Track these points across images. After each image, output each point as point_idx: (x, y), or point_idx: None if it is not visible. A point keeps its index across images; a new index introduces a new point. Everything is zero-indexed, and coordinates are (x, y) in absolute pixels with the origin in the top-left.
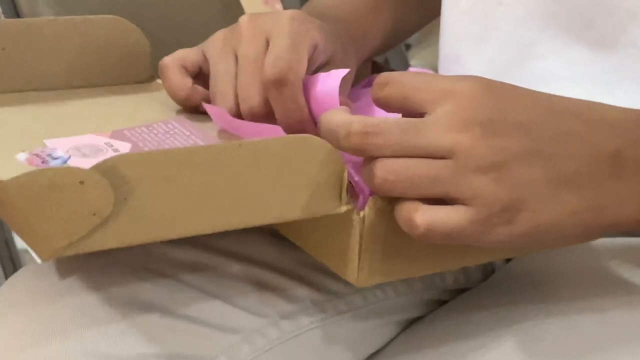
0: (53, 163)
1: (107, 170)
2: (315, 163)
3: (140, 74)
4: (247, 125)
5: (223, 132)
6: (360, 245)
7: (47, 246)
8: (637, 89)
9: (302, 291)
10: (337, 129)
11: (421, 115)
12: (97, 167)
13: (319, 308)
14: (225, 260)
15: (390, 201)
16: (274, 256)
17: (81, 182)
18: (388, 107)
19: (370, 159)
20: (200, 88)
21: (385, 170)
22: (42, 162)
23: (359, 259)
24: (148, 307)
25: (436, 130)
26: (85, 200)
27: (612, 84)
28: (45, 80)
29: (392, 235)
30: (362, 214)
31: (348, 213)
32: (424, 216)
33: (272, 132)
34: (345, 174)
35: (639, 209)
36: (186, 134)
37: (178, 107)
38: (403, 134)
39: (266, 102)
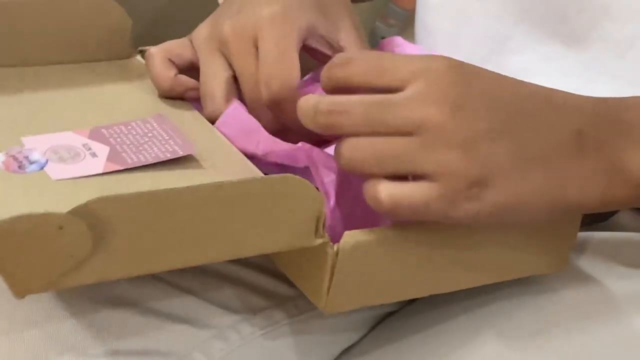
0: (30, 168)
1: (86, 213)
2: (294, 201)
3: (121, 51)
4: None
5: (203, 128)
6: (331, 277)
7: (22, 286)
8: (611, 83)
9: (276, 287)
10: (306, 111)
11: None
12: (76, 211)
13: (293, 304)
14: None
15: (367, 236)
16: None
17: (60, 228)
18: (348, 88)
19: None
20: (183, 79)
21: (351, 148)
22: (19, 167)
23: (329, 289)
24: (121, 303)
25: (404, 107)
26: (63, 244)
27: (587, 78)
28: (24, 57)
29: (365, 267)
30: (336, 247)
31: (323, 246)
32: (389, 192)
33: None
34: (323, 209)
35: (600, 190)
36: (165, 138)
37: (157, 95)
38: (368, 112)
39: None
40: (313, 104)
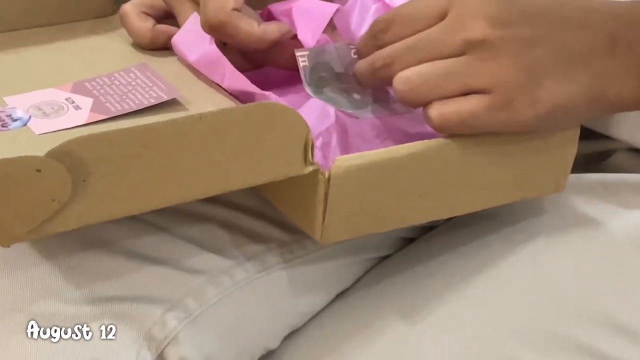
0: (13, 125)
1: (63, 155)
2: (278, 128)
3: (101, 9)
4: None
5: (187, 76)
6: (325, 205)
7: (6, 234)
8: None
9: (269, 231)
10: (365, 72)
11: None
12: (52, 153)
13: (287, 248)
14: (191, 202)
15: (357, 160)
16: (240, 196)
17: (38, 170)
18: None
19: None
20: (163, 27)
21: (401, 82)
22: (2, 125)
23: (324, 217)
24: (113, 249)
25: (447, 34)
26: (43, 188)
27: None
28: (2, 21)
29: (357, 194)
30: (327, 174)
31: (314, 173)
32: (438, 109)
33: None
34: (310, 135)
35: (634, 86)
36: (149, 85)
37: (139, 47)
38: (417, 49)
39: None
40: (369, 64)
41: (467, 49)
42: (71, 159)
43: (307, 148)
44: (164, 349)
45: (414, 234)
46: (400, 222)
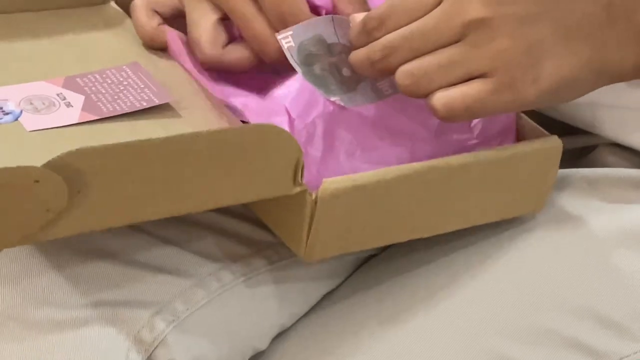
0: (4, 119)
1: (61, 166)
2: (272, 149)
3: None
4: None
5: (179, 77)
6: (310, 225)
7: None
8: None
9: (255, 234)
10: (363, 64)
11: None
12: (51, 165)
13: (273, 250)
14: None
15: (345, 183)
16: None
17: (36, 181)
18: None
19: None
20: (166, 28)
21: (404, 76)
22: None
23: (308, 237)
24: (101, 254)
25: (443, 20)
26: (39, 197)
27: None
28: None
29: (343, 215)
30: (314, 195)
31: (301, 194)
32: (442, 97)
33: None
34: (301, 157)
35: (634, 54)
36: (141, 87)
37: (132, 42)
38: (414, 39)
39: None
40: (366, 57)
41: (465, 32)
42: (68, 170)
43: (297, 170)
44: (152, 351)
45: None
46: (383, 241)
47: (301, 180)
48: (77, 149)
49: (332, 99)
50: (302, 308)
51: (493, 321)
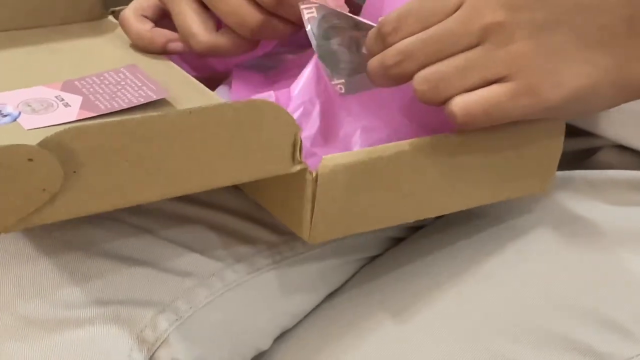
0: (2, 121)
1: (55, 145)
2: (268, 126)
3: (91, 12)
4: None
5: (178, 79)
6: (313, 205)
7: None
8: None
9: (258, 233)
10: (376, 71)
11: None
12: (44, 143)
13: (276, 250)
14: (180, 204)
15: (344, 159)
16: (229, 198)
17: (30, 160)
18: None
19: None
20: (161, 30)
21: (420, 82)
22: None
23: (312, 217)
24: (103, 253)
25: (461, 25)
26: (34, 177)
27: None
28: None
29: (345, 194)
30: (314, 173)
31: (301, 172)
32: (459, 104)
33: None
34: (299, 134)
35: None
36: (138, 85)
37: (130, 50)
38: (430, 44)
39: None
40: (379, 63)
41: (484, 36)
42: (63, 149)
43: (296, 147)
44: (155, 351)
45: (402, 233)
46: (387, 221)
47: (300, 157)
48: (70, 127)
49: (335, 81)
50: (305, 308)
51: (495, 322)
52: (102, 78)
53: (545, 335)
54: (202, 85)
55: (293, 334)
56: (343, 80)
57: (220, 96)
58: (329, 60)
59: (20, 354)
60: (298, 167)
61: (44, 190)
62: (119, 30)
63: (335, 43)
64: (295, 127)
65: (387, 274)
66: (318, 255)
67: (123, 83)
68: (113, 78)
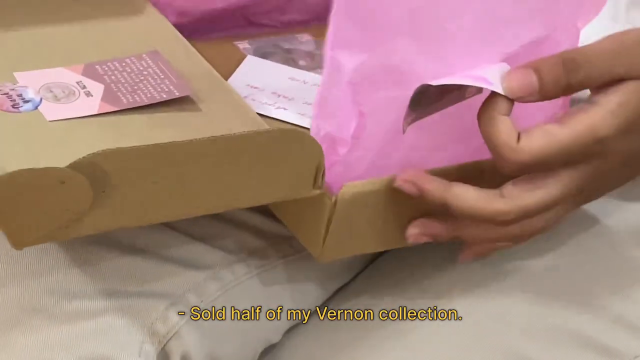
0: (24, 107)
1: (87, 167)
2: (294, 153)
3: None
4: None
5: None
6: (328, 227)
7: (21, 238)
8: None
9: (269, 227)
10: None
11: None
12: (77, 166)
13: (288, 244)
14: None
15: (366, 187)
16: None
17: (62, 182)
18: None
19: None
20: None
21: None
22: (13, 107)
23: (325, 239)
24: (113, 245)
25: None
26: (64, 198)
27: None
28: None
29: (360, 219)
30: (333, 198)
31: (320, 196)
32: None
33: None
34: (322, 161)
35: None
36: (160, 77)
37: (153, 30)
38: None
39: None
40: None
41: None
42: (94, 171)
43: (318, 173)
44: (166, 343)
45: None
46: (400, 243)
47: (321, 183)
48: (103, 151)
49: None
50: (316, 301)
51: (507, 320)
52: (124, 64)
53: (557, 332)
54: (221, 78)
55: (303, 328)
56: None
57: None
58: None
59: (32, 344)
60: (318, 192)
61: (70, 210)
62: (142, 5)
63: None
64: (320, 153)
65: (397, 268)
66: None
67: (145, 73)
68: (135, 66)
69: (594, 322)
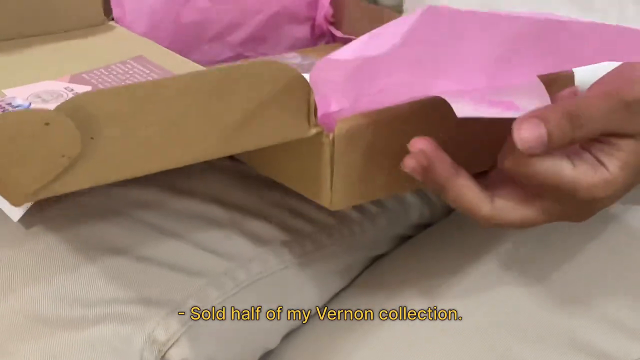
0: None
1: (72, 109)
2: (281, 88)
3: (93, 17)
4: None
5: (184, 66)
6: (332, 168)
7: (17, 191)
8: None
9: (269, 232)
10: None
11: None
12: (61, 108)
13: (287, 249)
14: (191, 202)
15: (360, 120)
16: (241, 196)
17: (46, 124)
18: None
19: None
20: None
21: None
22: (3, 112)
23: (331, 181)
24: (114, 251)
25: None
26: (52, 143)
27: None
28: None
29: (363, 156)
30: (331, 135)
31: (317, 136)
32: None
33: None
34: (312, 97)
35: None
36: (146, 72)
37: (135, 47)
38: None
39: None
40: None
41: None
42: (79, 115)
43: (310, 109)
44: (167, 351)
45: (409, 231)
46: (409, 186)
47: (315, 121)
48: (87, 92)
49: None
50: (313, 307)
51: (502, 322)
52: (109, 70)
53: (552, 335)
54: None
55: (301, 332)
56: None
57: None
58: None
59: (31, 352)
60: (314, 131)
61: (62, 155)
62: (121, 31)
63: None
64: (309, 90)
65: (394, 272)
66: (327, 255)
67: (131, 72)
68: (121, 69)
69: (591, 326)
